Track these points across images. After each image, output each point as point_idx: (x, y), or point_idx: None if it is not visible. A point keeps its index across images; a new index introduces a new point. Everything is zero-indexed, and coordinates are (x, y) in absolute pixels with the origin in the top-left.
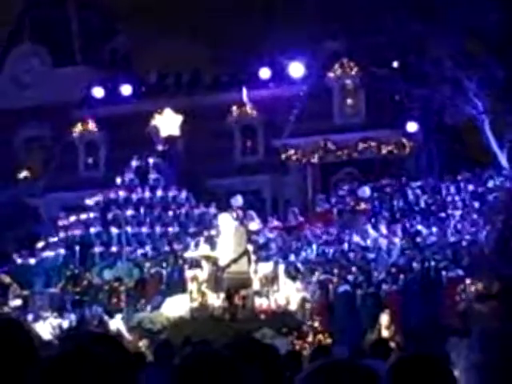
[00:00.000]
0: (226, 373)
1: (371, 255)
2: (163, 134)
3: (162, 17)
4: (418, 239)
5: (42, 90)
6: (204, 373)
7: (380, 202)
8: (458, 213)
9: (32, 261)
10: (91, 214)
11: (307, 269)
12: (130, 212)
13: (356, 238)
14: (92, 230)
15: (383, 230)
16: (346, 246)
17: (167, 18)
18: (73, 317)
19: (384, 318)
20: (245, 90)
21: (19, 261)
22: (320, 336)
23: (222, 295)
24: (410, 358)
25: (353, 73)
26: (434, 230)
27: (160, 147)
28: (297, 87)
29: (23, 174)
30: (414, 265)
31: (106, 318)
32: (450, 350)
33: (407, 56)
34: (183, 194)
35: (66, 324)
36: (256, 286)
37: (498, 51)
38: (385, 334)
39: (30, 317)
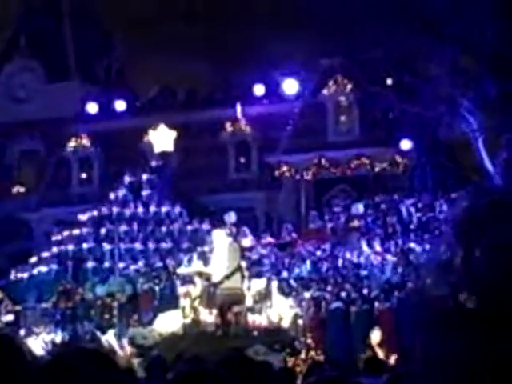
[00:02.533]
0: None
1: (364, 272)
2: (157, 149)
3: (156, 33)
4: (411, 257)
5: (36, 105)
6: None
7: (373, 219)
8: None
9: (24, 275)
10: (84, 230)
11: (300, 285)
12: (123, 228)
13: (349, 255)
14: (85, 245)
15: (377, 247)
16: (339, 262)
17: (162, 34)
18: (65, 332)
19: (376, 335)
20: (239, 107)
21: (12, 276)
22: (313, 352)
23: (215, 311)
24: (401, 375)
25: (347, 90)
26: (428, 247)
27: (154, 163)
28: (291, 104)
29: (16, 188)
30: (408, 282)
31: (98, 333)
32: None
33: (401, 73)
34: (176, 210)
35: (58, 339)
36: (249, 302)
37: (491, 68)
38: (377, 351)
39: (22, 332)
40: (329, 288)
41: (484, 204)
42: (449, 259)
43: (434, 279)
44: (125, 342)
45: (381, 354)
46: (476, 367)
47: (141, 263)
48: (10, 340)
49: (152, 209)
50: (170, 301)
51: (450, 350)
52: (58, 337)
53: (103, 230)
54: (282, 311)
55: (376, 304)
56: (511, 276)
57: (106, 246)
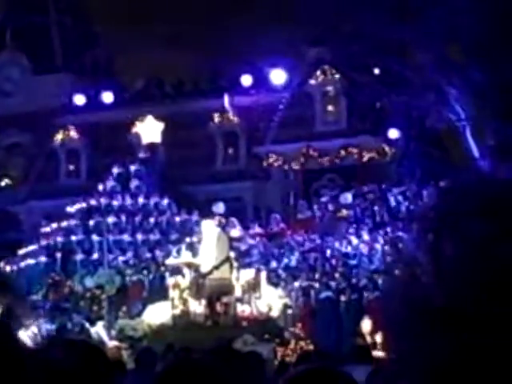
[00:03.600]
0: (208, 380)
1: (353, 261)
2: (145, 141)
3: (143, 24)
4: (400, 245)
5: (23, 98)
6: (186, 381)
7: (362, 209)
8: None
9: (13, 268)
10: (72, 222)
11: (289, 275)
12: (111, 219)
13: (337, 245)
14: (73, 237)
15: (365, 236)
16: (327, 252)
17: (149, 25)
18: (54, 324)
19: (366, 324)
20: (226, 97)
21: (1, 268)
22: (302, 342)
23: (204, 302)
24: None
25: (334, 80)
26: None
27: (141, 154)
28: (278, 94)
29: (4, 181)
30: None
31: (87, 325)
32: None
33: (388, 63)
34: (165, 201)
35: (47, 331)
36: (238, 292)
37: (478, 56)
38: (367, 339)
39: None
40: (318, 278)
41: (455, 197)
42: (416, 255)
43: (401, 277)
44: (113, 333)
45: (371, 343)
46: (447, 367)
47: (130, 255)
48: (6, 325)
49: (140, 200)
50: (159, 292)
51: (421, 350)
52: (47, 329)
53: (92, 222)
54: (270, 301)
55: (365, 293)
56: (483, 272)
57: (95, 238)
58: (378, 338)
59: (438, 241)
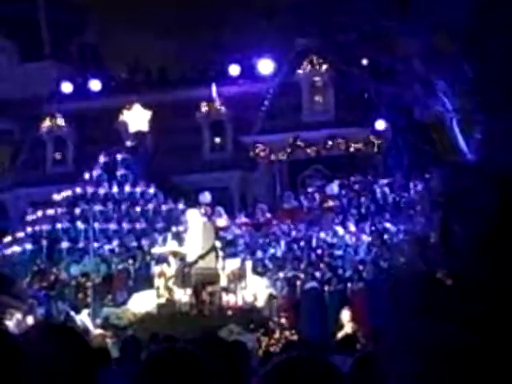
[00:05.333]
0: (191, 369)
1: (339, 252)
2: (132, 129)
3: (131, 12)
4: (386, 236)
5: (9, 85)
6: (168, 369)
7: (348, 200)
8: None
9: None
10: (59, 210)
11: (275, 265)
12: (97, 208)
13: (323, 235)
14: (59, 225)
15: (351, 227)
16: (313, 242)
17: (137, 14)
18: (39, 312)
19: (345, 315)
20: (214, 87)
21: None
22: (287, 332)
23: (189, 291)
24: (370, 355)
25: (322, 70)
26: (402, 227)
27: (128, 143)
28: (266, 84)
29: None
30: (381, 262)
31: (72, 313)
32: None
33: (376, 54)
34: (151, 190)
35: (31, 319)
36: (223, 282)
37: (466, 47)
38: (347, 330)
39: None
40: (303, 268)
41: (462, 177)
42: (425, 235)
43: (410, 256)
44: (98, 322)
45: (350, 333)
46: (452, 348)
47: (115, 243)
48: None
49: (127, 189)
50: (144, 281)
51: (426, 329)
52: (32, 317)
53: (78, 210)
54: (256, 291)
55: (349, 284)
56: (490, 250)
57: (81, 226)
58: (356, 328)
59: (446, 218)
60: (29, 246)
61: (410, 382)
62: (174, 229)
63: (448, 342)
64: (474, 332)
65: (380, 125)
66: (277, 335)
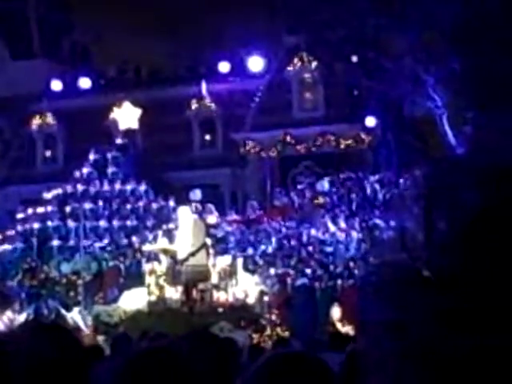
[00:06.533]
0: (175, 369)
1: (329, 249)
2: (122, 127)
3: (121, 10)
4: (376, 233)
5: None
6: (151, 369)
7: (338, 196)
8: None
9: None
10: (49, 208)
11: (265, 262)
12: (88, 205)
13: (314, 232)
14: (50, 223)
15: (341, 223)
16: (304, 239)
17: (127, 12)
18: (30, 310)
19: (336, 312)
20: (204, 84)
21: None
22: (278, 329)
23: (180, 288)
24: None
25: (312, 67)
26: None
27: (119, 140)
28: (256, 81)
29: None
30: (371, 259)
31: (63, 311)
32: None
33: (366, 50)
34: (142, 188)
35: (22, 318)
36: (214, 279)
37: (455, 44)
38: (338, 327)
39: None
40: (294, 265)
41: (445, 171)
42: (409, 230)
43: (394, 250)
44: (89, 319)
45: (342, 330)
46: (430, 336)
47: (106, 241)
48: None
49: (117, 186)
50: (135, 278)
51: (404, 317)
52: (23, 315)
53: (68, 208)
54: (247, 288)
55: (339, 280)
56: (473, 246)
57: (71, 224)
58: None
59: (430, 212)
60: (19, 244)
61: (394, 375)
62: (164, 226)
63: (428, 337)
64: (455, 328)
65: (370, 121)
66: (268, 332)
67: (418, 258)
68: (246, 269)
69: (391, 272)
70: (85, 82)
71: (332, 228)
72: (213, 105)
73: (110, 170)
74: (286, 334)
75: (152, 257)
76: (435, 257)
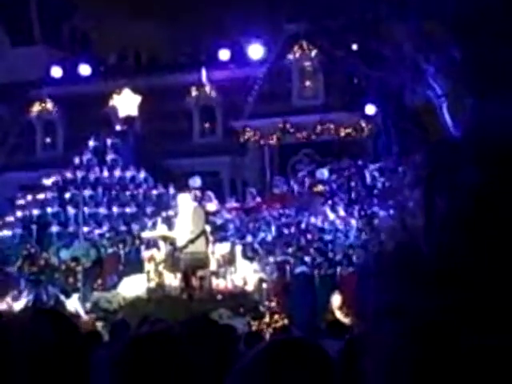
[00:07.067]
0: (175, 352)
1: (328, 237)
2: (121, 114)
3: None
4: (375, 221)
5: None
6: (151, 352)
7: (338, 184)
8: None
9: None
10: (48, 194)
11: (265, 250)
12: (87, 192)
13: (313, 220)
14: (49, 209)
15: (341, 211)
16: (303, 227)
17: None
18: (29, 297)
19: (336, 299)
20: (204, 71)
21: None
22: (276, 316)
23: (179, 275)
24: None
25: (312, 55)
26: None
27: (118, 127)
28: (256, 69)
29: None
30: (370, 247)
31: (62, 297)
32: None
33: (366, 38)
34: (141, 175)
35: (21, 304)
36: (213, 266)
37: (455, 32)
38: (337, 314)
39: None
40: (293, 252)
41: (444, 152)
42: (409, 210)
43: (393, 230)
44: (88, 306)
45: (341, 318)
46: (431, 318)
47: (105, 228)
48: None
49: (117, 173)
50: (134, 265)
51: (401, 301)
52: (22, 301)
53: (68, 195)
54: (246, 275)
55: (339, 268)
56: (478, 224)
57: (71, 211)
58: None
59: (430, 192)
60: (18, 231)
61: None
62: (163, 213)
63: (424, 316)
64: (451, 309)
65: (370, 109)
66: (267, 319)
67: (419, 238)
68: (245, 256)
69: (391, 255)
70: (85, 69)
71: (331, 216)
72: (213, 92)
73: (110, 156)
74: (285, 321)
75: (151, 244)
76: (435, 237)
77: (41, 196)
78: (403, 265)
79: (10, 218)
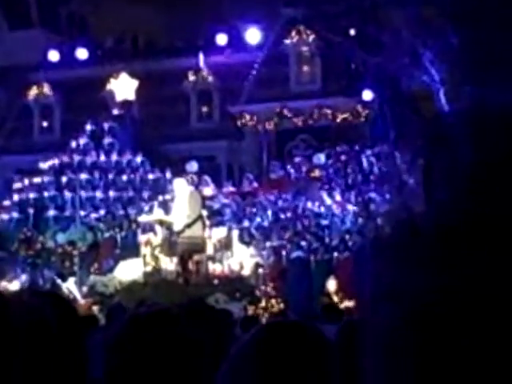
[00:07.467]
0: (173, 332)
1: (325, 222)
2: (119, 98)
3: None
4: (372, 206)
5: None
6: (150, 331)
7: (334, 169)
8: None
9: None
10: (45, 178)
11: (261, 234)
12: (84, 176)
13: (310, 205)
14: (46, 193)
15: (337, 196)
16: (299, 212)
17: None
18: (25, 279)
19: (331, 284)
20: (201, 56)
21: None
22: (273, 301)
23: (176, 260)
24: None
25: (309, 40)
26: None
27: (115, 111)
28: (253, 53)
29: None
30: (367, 232)
31: (58, 281)
32: None
33: (364, 24)
34: (138, 159)
35: (16, 286)
36: (210, 251)
37: (453, 18)
38: (333, 298)
39: None
40: (289, 237)
41: (447, 122)
42: (407, 191)
43: (393, 207)
44: (85, 290)
45: (338, 303)
46: (429, 300)
47: (102, 212)
48: None
49: (114, 157)
50: (131, 249)
51: (403, 280)
52: (17, 283)
53: (64, 179)
54: (242, 260)
55: (335, 253)
56: (476, 196)
57: (67, 195)
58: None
59: (429, 165)
60: (15, 214)
61: (387, 336)
62: (160, 197)
63: (425, 292)
64: (449, 289)
65: (367, 95)
66: (263, 304)
67: (417, 218)
68: (241, 241)
69: (389, 237)
70: (82, 53)
71: (328, 201)
72: (210, 77)
73: (107, 140)
74: (281, 306)
75: (148, 228)
76: (434, 211)
77: (37, 180)
78: (401, 245)
79: (7, 202)
